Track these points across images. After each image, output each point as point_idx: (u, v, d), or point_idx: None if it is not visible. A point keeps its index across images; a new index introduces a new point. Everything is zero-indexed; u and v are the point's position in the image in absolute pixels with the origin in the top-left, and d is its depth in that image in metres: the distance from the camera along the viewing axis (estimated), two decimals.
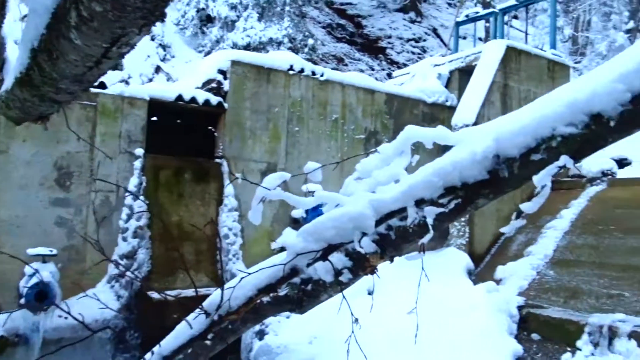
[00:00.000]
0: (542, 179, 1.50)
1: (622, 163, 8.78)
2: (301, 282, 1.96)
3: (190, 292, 5.70)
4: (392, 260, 1.78)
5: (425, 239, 1.72)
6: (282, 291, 1.97)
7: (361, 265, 1.85)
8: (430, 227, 1.67)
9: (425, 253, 6.76)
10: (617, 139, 1.46)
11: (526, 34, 14.48)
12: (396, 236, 1.85)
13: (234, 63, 7.56)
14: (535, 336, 5.92)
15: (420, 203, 1.63)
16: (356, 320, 1.91)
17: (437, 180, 1.58)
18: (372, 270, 1.85)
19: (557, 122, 1.48)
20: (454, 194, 1.64)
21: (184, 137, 7.79)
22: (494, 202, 8.10)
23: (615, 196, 7.69)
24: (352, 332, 1.87)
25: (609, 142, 1.47)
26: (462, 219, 7.74)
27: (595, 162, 8.58)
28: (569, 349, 5.53)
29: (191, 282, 2.68)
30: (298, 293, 1.95)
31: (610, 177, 8.35)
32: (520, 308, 6.22)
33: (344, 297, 1.85)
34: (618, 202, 7.50)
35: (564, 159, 1.46)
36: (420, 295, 6.61)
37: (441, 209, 1.67)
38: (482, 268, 7.63)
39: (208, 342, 2.01)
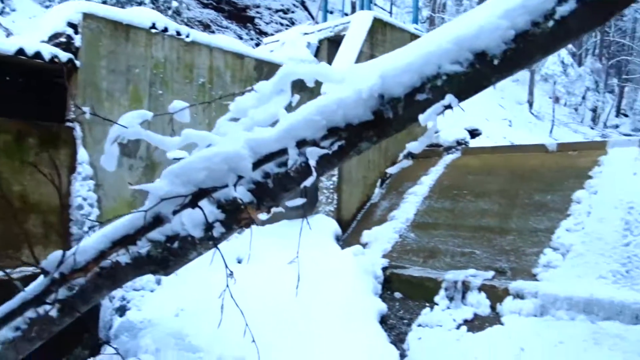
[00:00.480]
0: (428, 117, 1.44)
1: (473, 133, 9.52)
2: (166, 240, 1.72)
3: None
4: (269, 212, 1.60)
5: (308, 182, 1.58)
6: (143, 248, 1.71)
7: (235, 218, 1.67)
8: (313, 169, 1.54)
9: (294, 220, 6.72)
10: (500, 79, 1.44)
11: (390, 12, 15.01)
12: (274, 184, 1.69)
13: (87, 16, 6.77)
14: (398, 294, 6.22)
15: (302, 144, 1.49)
16: (231, 273, 1.74)
17: (320, 119, 1.45)
18: (248, 223, 1.68)
19: (442, 59, 1.42)
20: (337, 136, 1.53)
21: (27, 98, 6.88)
22: (361, 170, 8.35)
23: (468, 164, 8.31)
24: (227, 285, 1.69)
25: (492, 82, 1.45)
26: (331, 186, 7.85)
27: (451, 132, 9.20)
28: (427, 304, 5.89)
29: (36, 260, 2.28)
30: (163, 252, 1.72)
31: (463, 146, 9.01)
32: (384, 269, 6.49)
33: (217, 249, 1.66)
34: (470, 169, 8.11)
35: (450, 99, 1.41)
36: (291, 259, 6.57)
37: (324, 151, 1.55)
38: (349, 233, 7.84)
39: (54, 314, 1.69)
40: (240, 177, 1.49)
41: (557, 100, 25.07)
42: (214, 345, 4.82)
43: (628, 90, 30.42)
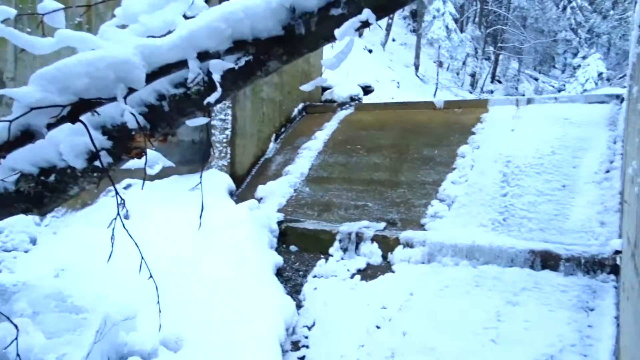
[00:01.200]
0: (344, 32, 1.32)
1: (366, 90, 9.65)
2: (40, 173, 1.45)
3: None
4: (165, 140, 1.41)
5: (212, 98, 1.40)
6: (9, 184, 1.43)
7: (125, 146, 1.45)
8: (218, 85, 1.36)
9: (186, 175, 6.38)
10: None
11: None
12: (170, 108, 1.48)
13: None
14: (293, 248, 6.22)
15: (204, 56, 1.30)
16: (122, 202, 1.52)
17: (225, 27, 1.26)
18: (140, 153, 1.47)
19: None
20: (244, 50, 1.36)
21: None
22: (255, 124, 8.14)
23: (361, 119, 8.42)
24: (118, 214, 1.48)
25: None
26: (224, 139, 7.58)
27: (345, 88, 9.25)
28: (322, 256, 5.96)
29: None
30: (36, 187, 1.45)
31: (357, 102, 9.11)
32: (279, 223, 6.44)
33: (110, 179, 1.43)
34: (363, 124, 8.23)
35: (367, 13, 1.30)
36: (183, 216, 6.30)
37: (230, 65, 1.37)
38: (243, 188, 7.67)
39: None
40: (131, 90, 1.26)
41: (440, 64, 26.32)
42: (99, 305, 4.49)
43: (502, 58, 32.72)
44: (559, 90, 27.94)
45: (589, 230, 5.39)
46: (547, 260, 5.05)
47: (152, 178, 6.79)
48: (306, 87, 1.71)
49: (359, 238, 5.90)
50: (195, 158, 7.94)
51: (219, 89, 1.35)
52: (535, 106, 7.49)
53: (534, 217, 5.69)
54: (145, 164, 5.61)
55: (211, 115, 1.52)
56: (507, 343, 4.36)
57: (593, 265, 4.92)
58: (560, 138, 6.62)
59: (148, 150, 6.56)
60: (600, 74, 24.41)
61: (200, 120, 1.50)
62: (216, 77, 1.32)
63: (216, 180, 7.37)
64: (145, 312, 4.63)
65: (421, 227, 5.99)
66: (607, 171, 6.01)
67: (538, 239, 5.39)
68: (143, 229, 5.48)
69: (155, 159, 6.15)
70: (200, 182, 1.80)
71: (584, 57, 27.75)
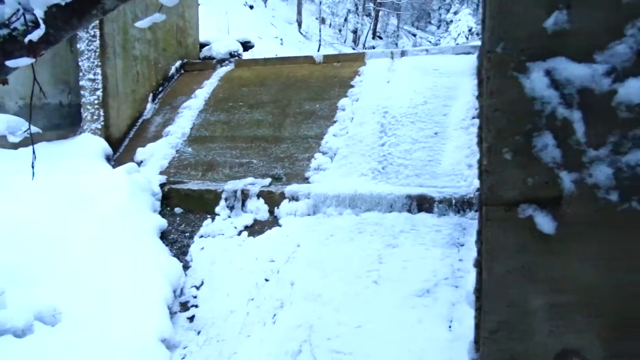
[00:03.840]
0: None
1: (246, 46, 9.43)
2: None
3: None
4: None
5: (35, 35, 1.26)
6: None
7: None
8: (41, 22, 1.22)
9: (54, 142, 5.91)
10: None
11: None
12: None
13: None
14: (178, 210, 6.06)
15: None
16: None
17: None
18: None
19: None
20: None
21: None
22: (129, 83, 7.67)
23: (241, 76, 8.25)
24: None
25: None
26: (95, 101, 7.07)
27: (223, 45, 8.97)
28: (209, 215, 5.87)
29: None
30: None
31: (236, 58, 8.88)
32: (162, 185, 6.22)
33: None
34: (244, 81, 8.08)
35: None
36: (54, 185, 5.84)
37: (54, 1, 1.24)
38: (121, 152, 7.27)
39: None
40: None
41: (323, 21, 26.40)
42: None
43: (382, 14, 33.54)
44: (435, 45, 29.37)
45: (459, 173, 5.80)
46: (422, 204, 5.37)
47: (16, 146, 6.20)
48: (142, 24, 1.62)
49: (245, 195, 5.87)
50: (64, 122, 7.37)
51: (42, 26, 1.22)
52: (409, 58, 7.79)
53: (410, 164, 6.00)
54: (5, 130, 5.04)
55: (37, 56, 1.35)
56: (388, 282, 4.63)
57: (462, 205, 5.32)
58: (431, 88, 6.97)
59: (8, 116, 5.98)
60: (470, 29, 25.95)
61: (24, 61, 1.35)
62: (39, 13, 1.20)
63: (90, 144, 6.90)
64: (16, 288, 4.31)
65: (305, 180, 6.08)
66: (473, 117, 6.46)
67: (414, 185, 5.71)
68: (8, 201, 5.04)
69: (17, 125, 5.61)
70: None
71: (455, 13, 29.25)
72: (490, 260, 0.74)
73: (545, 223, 0.69)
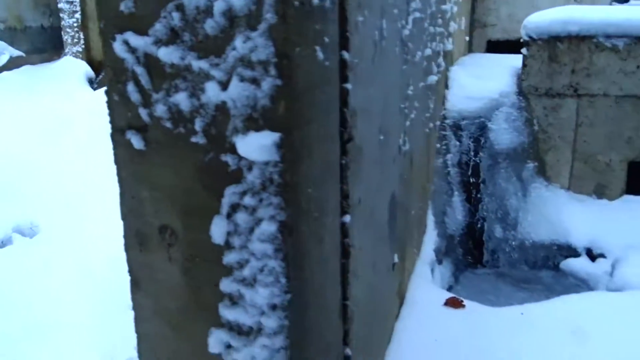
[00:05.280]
0: None
1: None
2: None
3: None
4: None
5: None
6: None
7: None
8: None
9: (38, 65, 6.26)
10: None
11: None
12: None
13: None
14: None
15: None
16: None
17: None
18: None
19: None
20: None
21: None
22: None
23: None
24: None
25: None
26: (74, 24, 7.36)
27: None
28: None
29: None
30: None
31: None
32: None
33: None
34: None
35: None
36: (37, 108, 6.30)
37: None
38: (104, 74, 7.62)
39: None
40: None
41: None
42: None
43: None
44: None
45: None
46: None
47: (0, 70, 6.64)
48: None
49: None
50: (47, 46, 7.72)
51: None
52: None
53: None
54: None
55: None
56: None
57: None
58: None
59: None
60: None
61: None
62: None
63: (72, 68, 7.30)
64: None
65: None
66: None
67: None
68: None
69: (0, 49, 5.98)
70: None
71: None
72: (118, 169, 1.13)
73: (138, 143, 1.06)
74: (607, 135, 4.15)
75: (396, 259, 2.27)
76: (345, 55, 1.29)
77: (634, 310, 2.64)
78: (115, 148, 1.13)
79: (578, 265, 3.85)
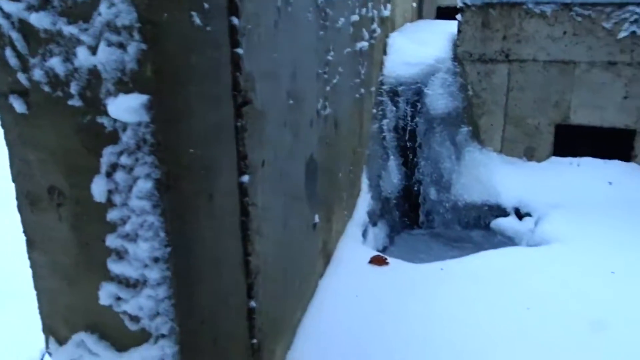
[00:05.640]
0: None
1: None
2: None
3: None
4: None
5: None
6: None
7: None
8: None
9: None
10: None
11: None
12: None
13: None
14: None
15: None
16: None
17: None
18: None
19: None
20: None
21: None
22: None
23: None
24: None
25: None
26: None
27: None
28: None
29: None
30: None
31: None
32: None
33: None
34: None
35: None
36: None
37: None
38: None
39: None
40: None
41: None
42: None
43: None
44: None
45: None
46: None
47: None
48: None
49: None
50: None
51: None
52: None
53: None
54: None
55: None
56: None
57: None
58: None
59: None
60: None
61: None
62: None
63: None
64: None
65: None
66: None
67: None
68: None
69: None
70: None
71: None
72: (5, 132, 1.16)
73: (20, 107, 1.09)
74: (536, 99, 4.33)
75: (317, 219, 2.36)
76: (235, 20, 1.34)
77: (537, 262, 2.85)
78: (0, 112, 1.16)
79: (506, 224, 4.06)
